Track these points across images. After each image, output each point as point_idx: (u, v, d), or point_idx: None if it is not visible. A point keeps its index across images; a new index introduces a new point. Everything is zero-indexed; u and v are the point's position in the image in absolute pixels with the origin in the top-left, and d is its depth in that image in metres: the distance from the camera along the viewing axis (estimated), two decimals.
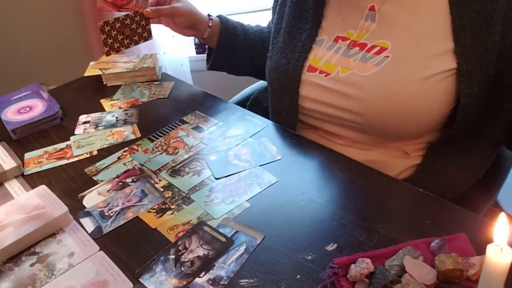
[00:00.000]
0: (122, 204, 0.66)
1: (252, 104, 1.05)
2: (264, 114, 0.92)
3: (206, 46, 1.01)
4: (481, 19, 0.67)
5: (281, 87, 0.82)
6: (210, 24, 0.93)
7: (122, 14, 0.85)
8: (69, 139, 0.82)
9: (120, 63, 1.03)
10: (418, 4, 0.70)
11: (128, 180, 0.71)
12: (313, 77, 0.78)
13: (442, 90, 0.69)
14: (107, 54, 0.85)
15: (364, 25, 0.75)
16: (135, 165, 0.74)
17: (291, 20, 0.83)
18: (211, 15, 0.95)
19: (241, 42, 0.97)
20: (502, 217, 0.39)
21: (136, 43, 0.89)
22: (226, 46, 0.96)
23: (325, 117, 0.80)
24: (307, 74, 0.79)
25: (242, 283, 0.53)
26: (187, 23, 0.90)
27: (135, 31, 0.87)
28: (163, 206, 0.65)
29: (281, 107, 0.84)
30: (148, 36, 0.91)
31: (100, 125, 0.86)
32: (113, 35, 0.83)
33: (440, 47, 0.69)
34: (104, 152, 0.78)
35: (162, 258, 0.57)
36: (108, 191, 0.69)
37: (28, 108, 0.89)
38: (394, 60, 0.71)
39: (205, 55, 1.01)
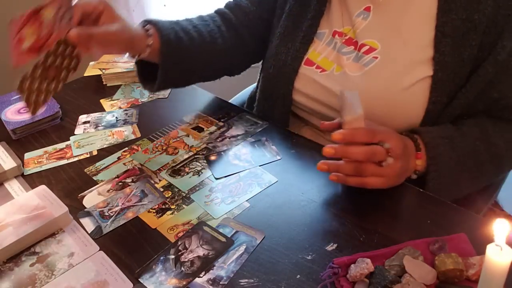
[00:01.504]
0: (122, 204, 0.66)
1: (250, 103, 1.04)
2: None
3: (135, 64, 0.79)
4: (465, 28, 0.66)
5: (278, 75, 0.82)
6: (150, 42, 0.72)
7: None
8: (69, 139, 0.82)
9: (120, 63, 1.03)
10: (410, 8, 0.70)
11: (128, 180, 0.71)
12: (309, 71, 0.78)
13: (422, 97, 0.69)
14: (33, 113, 0.65)
15: (355, 21, 0.75)
16: (135, 165, 0.74)
17: (296, 7, 0.81)
18: (147, 27, 0.74)
19: (187, 45, 0.79)
20: (501, 219, 0.39)
21: (65, 80, 0.66)
22: (173, 56, 0.76)
23: (315, 113, 0.81)
24: (304, 67, 0.79)
25: (242, 283, 0.53)
26: (123, 48, 0.71)
27: (60, 67, 0.65)
28: (163, 206, 0.65)
29: (275, 96, 0.84)
30: (77, 63, 0.67)
31: (100, 125, 0.86)
32: (35, 88, 0.63)
33: (422, 53, 0.68)
34: (104, 152, 0.78)
35: (162, 258, 0.57)
36: (108, 191, 0.69)
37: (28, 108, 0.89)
38: (381, 63, 0.71)
39: None
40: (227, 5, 0.91)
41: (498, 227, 0.39)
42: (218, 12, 0.90)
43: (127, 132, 0.83)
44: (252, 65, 0.97)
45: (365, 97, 0.69)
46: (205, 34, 0.82)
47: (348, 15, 0.76)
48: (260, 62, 0.96)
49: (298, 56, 0.79)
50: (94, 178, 0.72)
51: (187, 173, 0.71)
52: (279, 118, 0.85)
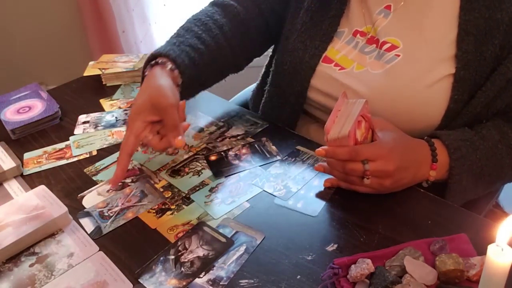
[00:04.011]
0: (122, 204, 0.66)
1: (255, 97, 1.03)
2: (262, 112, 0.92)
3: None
4: (488, 27, 0.66)
5: (293, 72, 0.81)
6: (180, 82, 0.73)
7: None
8: (68, 139, 0.82)
9: (119, 63, 1.03)
10: (432, 7, 0.70)
11: (128, 180, 0.71)
12: (327, 68, 0.78)
13: (443, 95, 0.69)
14: None
15: (376, 19, 0.75)
16: (135, 165, 0.74)
17: (315, 4, 0.80)
18: (162, 61, 0.72)
19: (199, 63, 0.77)
20: (509, 219, 0.39)
21: None
22: (192, 77, 0.75)
23: (328, 111, 0.80)
24: (322, 64, 0.78)
25: (242, 284, 0.52)
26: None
27: None
28: (163, 206, 0.65)
29: (288, 92, 0.83)
30: None
31: (99, 125, 0.86)
32: None
33: (445, 51, 0.69)
34: (104, 152, 0.78)
35: (162, 258, 0.56)
36: (108, 191, 0.69)
37: (27, 108, 0.89)
38: (403, 61, 0.71)
39: None
40: None
41: (504, 228, 0.39)
42: (220, 5, 0.86)
43: None
44: (252, 65, 0.96)
45: (387, 95, 0.70)
46: (211, 43, 0.80)
47: (369, 14, 0.76)
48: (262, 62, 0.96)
49: (316, 53, 0.78)
50: (94, 178, 0.72)
51: (187, 173, 0.71)
52: (289, 115, 0.84)
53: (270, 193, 0.65)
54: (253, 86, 1.14)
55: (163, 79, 0.68)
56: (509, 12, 0.65)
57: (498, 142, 0.68)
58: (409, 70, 0.70)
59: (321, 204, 0.63)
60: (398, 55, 0.71)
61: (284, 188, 0.66)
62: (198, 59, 0.76)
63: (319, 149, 0.62)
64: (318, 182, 0.67)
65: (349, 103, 0.60)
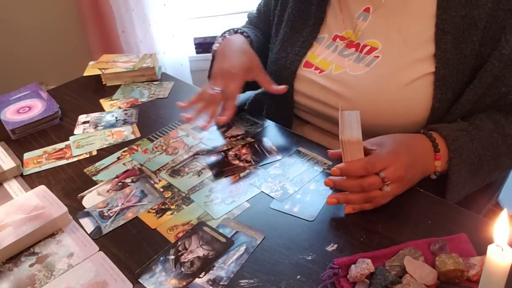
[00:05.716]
0: (122, 204, 0.66)
1: (252, 104, 1.05)
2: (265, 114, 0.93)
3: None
4: (465, 25, 0.66)
5: (278, 80, 0.83)
6: None
7: None
8: (68, 139, 0.82)
9: (119, 63, 1.03)
10: (410, 7, 0.70)
11: (128, 180, 0.71)
12: (308, 73, 0.79)
13: (424, 93, 0.69)
14: None
15: (356, 23, 0.76)
16: (135, 165, 0.74)
17: (294, 14, 0.83)
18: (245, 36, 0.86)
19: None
20: (502, 216, 0.39)
21: None
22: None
23: (316, 113, 0.82)
24: (303, 69, 0.80)
25: (242, 284, 0.52)
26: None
27: None
28: (163, 207, 0.65)
29: (278, 99, 0.85)
30: None
31: (99, 125, 0.86)
32: None
33: (424, 51, 0.69)
34: (104, 152, 0.78)
35: (161, 258, 0.56)
36: (108, 191, 0.69)
37: (27, 108, 0.89)
38: (383, 61, 0.72)
39: (205, 54, 1.00)
40: (250, 21, 0.99)
41: (499, 228, 0.39)
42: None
43: (127, 132, 0.83)
44: None
45: (369, 95, 0.71)
46: (259, 36, 0.92)
47: (350, 18, 0.77)
48: None
49: (296, 59, 0.81)
50: (94, 178, 0.72)
51: (187, 173, 0.71)
52: (283, 120, 0.86)
53: (267, 194, 0.65)
54: None
55: (250, 49, 0.82)
56: (486, 9, 0.65)
57: (493, 131, 0.68)
58: (387, 70, 0.71)
59: (318, 208, 0.62)
60: (378, 56, 0.72)
61: (281, 189, 0.66)
62: (255, 41, 0.89)
63: (334, 168, 0.59)
64: (315, 186, 0.67)
65: (345, 113, 0.60)
